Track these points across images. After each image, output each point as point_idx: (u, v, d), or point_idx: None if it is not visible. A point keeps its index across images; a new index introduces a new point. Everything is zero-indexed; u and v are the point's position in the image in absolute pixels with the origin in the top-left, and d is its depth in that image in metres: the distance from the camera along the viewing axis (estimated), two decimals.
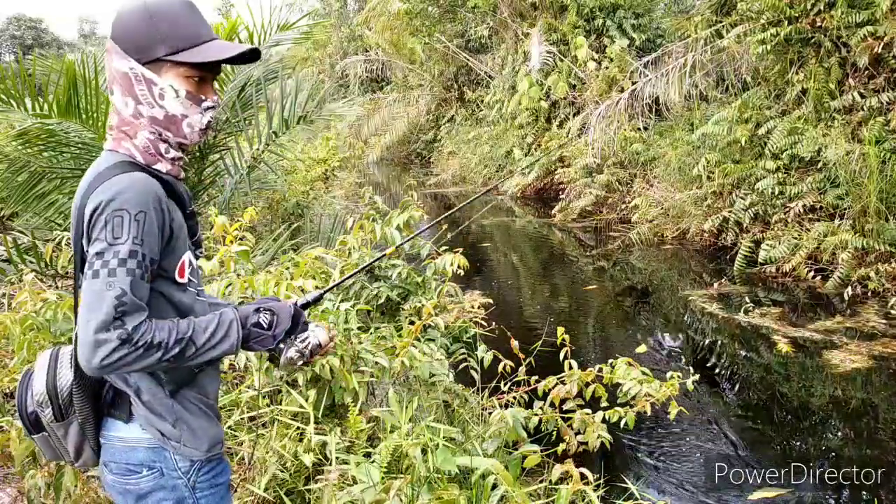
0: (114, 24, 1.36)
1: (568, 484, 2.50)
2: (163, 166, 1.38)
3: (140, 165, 1.34)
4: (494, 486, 2.40)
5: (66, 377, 1.36)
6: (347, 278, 1.85)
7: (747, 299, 6.64)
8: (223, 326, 1.36)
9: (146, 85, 1.33)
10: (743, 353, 5.74)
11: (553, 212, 11.46)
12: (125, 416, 1.39)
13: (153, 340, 1.24)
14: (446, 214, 1.92)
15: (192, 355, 1.31)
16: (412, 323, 3.37)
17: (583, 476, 2.50)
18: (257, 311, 1.44)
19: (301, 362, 1.51)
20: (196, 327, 1.33)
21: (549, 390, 3.15)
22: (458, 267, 3.68)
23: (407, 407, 2.65)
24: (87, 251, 1.26)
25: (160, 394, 1.39)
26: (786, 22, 7.69)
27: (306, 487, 2.59)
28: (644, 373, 3.06)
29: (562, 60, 12.80)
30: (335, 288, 1.74)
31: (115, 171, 1.29)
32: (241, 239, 3.41)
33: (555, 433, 3.11)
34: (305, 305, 1.60)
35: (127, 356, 1.21)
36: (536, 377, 3.28)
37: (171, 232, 1.33)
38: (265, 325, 1.43)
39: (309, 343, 1.51)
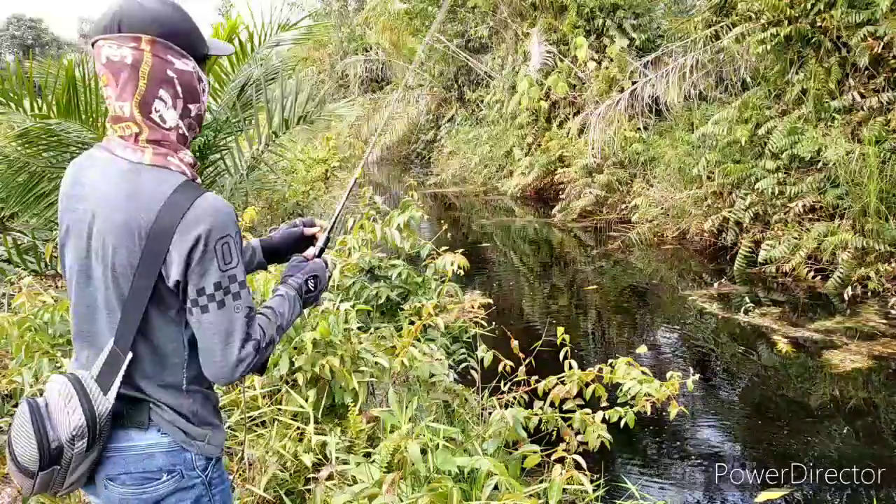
0: (157, 23, 1.29)
1: (569, 484, 2.49)
2: (198, 181, 1.40)
3: (194, 182, 1.35)
4: (490, 477, 2.40)
5: (104, 404, 1.30)
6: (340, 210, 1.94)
7: (747, 299, 6.64)
8: (292, 303, 1.51)
9: (198, 82, 1.38)
10: (743, 353, 5.74)
11: (553, 212, 11.46)
12: (143, 423, 1.35)
13: (270, 340, 1.39)
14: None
15: (284, 330, 1.46)
16: (412, 323, 3.37)
17: (580, 470, 2.50)
18: (307, 280, 1.59)
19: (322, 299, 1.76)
20: (278, 312, 1.46)
21: (549, 390, 3.14)
22: (459, 267, 3.68)
23: (407, 407, 2.65)
24: (182, 278, 1.28)
25: (181, 396, 1.38)
26: (786, 22, 7.69)
27: (306, 487, 2.59)
28: (644, 373, 3.06)
29: (562, 60, 12.79)
30: (336, 224, 1.88)
31: (192, 195, 1.28)
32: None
33: (555, 433, 3.11)
34: (321, 253, 1.72)
35: (257, 361, 1.35)
36: (536, 377, 3.28)
37: None
38: (313, 290, 1.60)
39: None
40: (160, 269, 1.28)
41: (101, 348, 1.35)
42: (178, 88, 1.33)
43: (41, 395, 1.37)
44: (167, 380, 1.36)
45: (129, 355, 1.31)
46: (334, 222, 1.88)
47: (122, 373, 1.32)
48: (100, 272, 1.33)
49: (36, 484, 1.30)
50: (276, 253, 1.76)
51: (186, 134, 1.39)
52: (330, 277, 1.68)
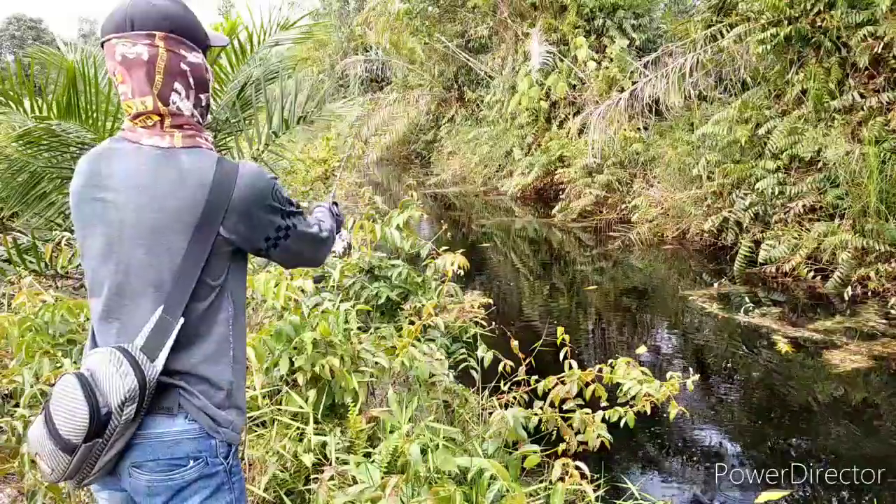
0: (168, 19, 1.36)
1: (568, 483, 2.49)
2: None
3: None
4: (493, 481, 2.40)
5: (152, 370, 1.32)
6: None
7: (747, 299, 6.64)
8: (330, 215, 1.86)
9: (206, 73, 1.45)
10: (743, 353, 5.74)
11: (553, 212, 11.46)
12: (172, 410, 1.36)
13: (333, 224, 1.78)
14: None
15: (336, 230, 1.85)
16: (412, 323, 3.37)
17: (579, 470, 2.50)
18: (331, 206, 1.96)
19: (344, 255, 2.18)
20: (325, 209, 1.89)
21: (549, 390, 3.14)
22: (459, 267, 3.68)
23: (407, 407, 2.65)
24: (249, 236, 1.43)
25: (226, 367, 1.41)
26: (786, 22, 7.69)
27: (306, 487, 2.59)
28: (644, 373, 3.06)
29: (562, 60, 12.79)
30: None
31: (234, 167, 1.41)
32: None
33: (555, 433, 3.11)
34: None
35: (334, 229, 1.75)
36: (536, 377, 3.28)
37: None
38: (339, 215, 1.98)
39: (348, 243, 2.18)
40: (216, 235, 1.37)
41: (132, 330, 1.36)
42: (191, 80, 1.40)
43: (52, 389, 1.36)
44: (212, 349, 1.39)
45: (181, 321, 1.35)
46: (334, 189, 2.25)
47: (172, 338, 1.34)
48: (140, 254, 1.36)
49: (74, 460, 1.28)
50: None
51: (200, 121, 1.47)
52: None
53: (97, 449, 1.29)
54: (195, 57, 1.41)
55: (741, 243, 7.85)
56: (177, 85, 1.38)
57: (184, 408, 1.37)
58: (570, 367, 3.15)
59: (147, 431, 1.36)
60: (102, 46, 1.37)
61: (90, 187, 1.40)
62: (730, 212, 8.24)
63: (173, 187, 1.34)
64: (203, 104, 1.46)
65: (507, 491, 2.31)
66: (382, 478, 2.28)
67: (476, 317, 3.71)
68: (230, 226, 1.38)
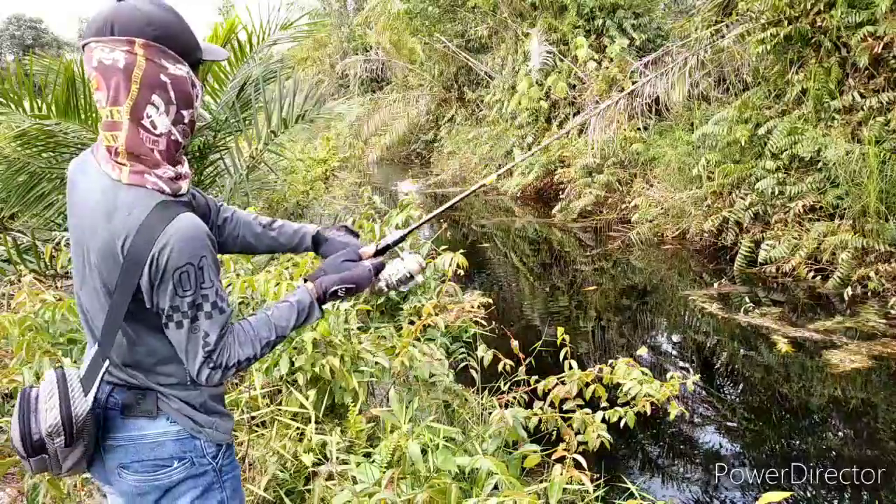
0: (152, 26, 1.27)
1: (569, 483, 2.49)
2: (185, 184, 1.38)
3: (170, 197, 1.33)
4: (490, 476, 2.40)
5: (82, 404, 1.31)
6: (435, 215, 1.87)
7: (747, 299, 6.64)
8: (303, 312, 1.46)
9: (191, 87, 1.34)
10: (743, 353, 5.74)
11: (553, 212, 11.45)
12: (152, 412, 1.38)
13: (248, 356, 1.37)
14: (446, 207, 1.91)
15: (280, 341, 1.44)
16: (412, 323, 3.37)
17: (578, 465, 2.50)
18: (338, 290, 1.51)
19: (388, 290, 1.65)
20: (274, 325, 1.42)
21: (549, 390, 3.14)
22: (458, 267, 3.68)
23: (407, 407, 2.65)
24: (156, 296, 1.29)
25: (188, 388, 1.41)
26: (786, 22, 7.69)
27: (306, 487, 2.59)
28: (644, 373, 3.05)
29: (562, 60, 12.79)
30: (418, 228, 1.86)
31: (164, 221, 1.26)
32: None
33: (555, 433, 3.11)
34: (384, 250, 1.68)
35: (223, 376, 1.35)
36: (536, 377, 3.28)
37: None
38: (341, 295, 1.54)
39: (400, 275, 1.64)
40: (136, 291, 1.29)
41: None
42: (172, 94, 1.30)
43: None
44: (171, 375, 1.40)
45: (106, 363, 1.34)
46: (413, 229, 1.80)
47: (99, 378, 1.35)
48: (91, 281, 1.36)
49: (31, 465, 1.33)
50: (322, 254, 1.71)
51: (180, 140, 1.36)
52: (375, 283, 1.62)
53: (50, 462, 1.33)
54: (178, 69, 1.30)
55: (741, 243, 7.85)
56: (154, 98, 1.28)
57: (163, 410, 1.39)
58: (570, 368, 3.15)
59: (131, 434, 1.39)
60: (83, 50, 1.29)
61: (69, 203, 1.41)
62: (730, 212, 8.24)
63: (106, 227, 1.28)
64: (185, 121, 1.35)
65: (507, 488, 2.31)
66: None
67: (476, 317, 3.71)
68: (142, 284, 1.29)
